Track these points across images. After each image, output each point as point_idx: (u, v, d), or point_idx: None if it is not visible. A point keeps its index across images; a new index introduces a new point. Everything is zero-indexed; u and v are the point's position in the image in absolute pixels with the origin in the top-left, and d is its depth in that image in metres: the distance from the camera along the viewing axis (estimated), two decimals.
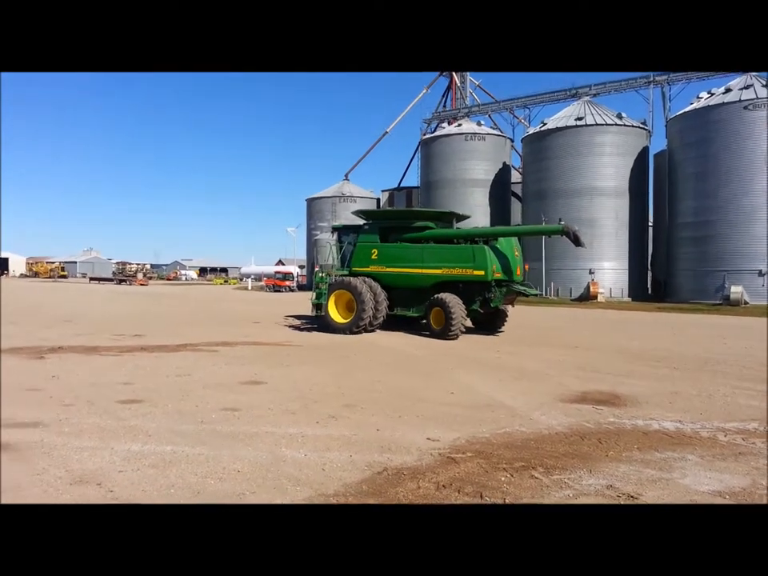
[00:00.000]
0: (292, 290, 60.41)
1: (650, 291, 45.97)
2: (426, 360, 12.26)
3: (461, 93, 62.26)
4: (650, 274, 47.68)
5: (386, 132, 64.79)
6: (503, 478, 5.03)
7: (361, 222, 19.61)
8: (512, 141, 55.75)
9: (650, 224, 48.20)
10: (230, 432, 6.42)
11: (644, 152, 44.73)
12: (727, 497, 4.69)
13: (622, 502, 4.56)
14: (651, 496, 4.68)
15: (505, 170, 52.83)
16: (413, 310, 17.69)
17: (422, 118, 61.15)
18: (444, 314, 16.27)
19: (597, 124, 43.35)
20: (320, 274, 18.60)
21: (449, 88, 63.36)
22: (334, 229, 20.36)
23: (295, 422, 6.93)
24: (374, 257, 17.98)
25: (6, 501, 4.36)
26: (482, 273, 16.37)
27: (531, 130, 48.23)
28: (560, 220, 22.88)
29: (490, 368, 11.28)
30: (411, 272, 17.38)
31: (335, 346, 14.40)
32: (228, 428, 6.59)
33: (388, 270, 17.71)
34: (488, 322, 18.22)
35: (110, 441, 5.98)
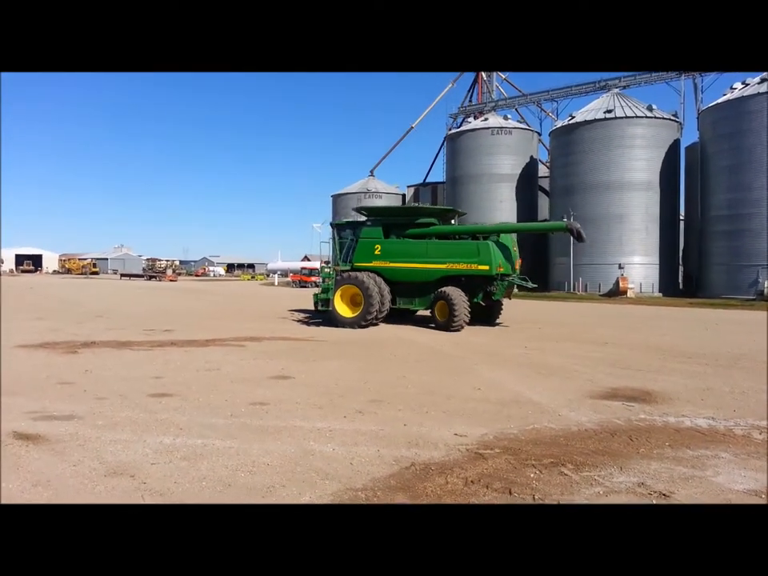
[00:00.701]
0: (318, 286, 60.74)
1: (681, 286, 45.10)
2: (451, 355, 12.22)
3: (487, 87, 61.71)
4: (681, 268, 46.76)
5: (412, 127, 64.64)
6: (532, 475, 4.99)
7: (360, 219, 20.07)
8: (539, 134, 55.10)
9: (682, 218, 47.25)
10: (259, 426, 6.50)
11: (675, 145, 43.83)
12: (763, 496, 4.59)
13: (654, 501, 4.50)
14: (684, 494, 4.60)
15: (532, 165, 52.27)
16: (416, 303, 18.48)
17: (448, 112, 60.87)
18: (448, 306, 16.99)
19: (627, 116, 42.59)
20: (326, 270, 18.52)
21: (475, 82, 62.85)
22: (333, 225, 20.55)
23: (323, 416, 6.98)
24: (377, 252, 18.40)
25: (37, 491, 4.48)
26: (487, 267, 17.18)
27: (559, 124, 47.61)
28: (563, 217, 23.41)
29: (516, 364, 11.20)
30: (416, 267, 17.96)
31: (359, 341, 14.45)
32: (257, 422, 6.66)
33: (392, 264, 18.21)
34: (485, 314, 18.77)
35: (142, 434, 6.09)
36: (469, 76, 63.20)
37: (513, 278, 18.31)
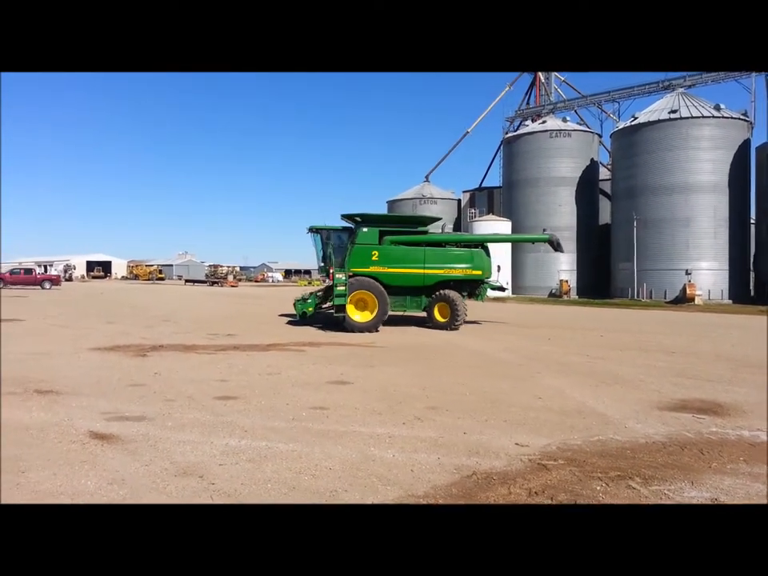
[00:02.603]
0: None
1: (752, 293, 42.97)
2: (509, 362, 12.06)
3: (545, 89, 60.75)
4: (752, 274, 44.55)
5: (468, 132, 64.32)
6: (598, 488, 4.87)
7: (344, 224, 20.21)
8: (600, 136, 53.84)
9: (752, 221, 45.04)
10: (320, 430, 6.60)
11: (745, 145, 41.95)
12: None
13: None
14: None
15: (592, 167, 51.08)
16: (407, 307, 19.56)
17: (505, 116, 60.24)
18: (450, 308, 18.74)
19: (693, 117, 41.08)
20: (338, 275, 18.23)
21: (532, 85, 61.99)
22: (316, 230, 20.14)
23: (382, 422, 7.02)
24: (374, 258, 18.88)
25: (94, 491, 4.70)
26: (480, 272, 19.38)
27: (621, 125, 46.38)
28: (544, 230, 27.42)
29: (579, 373, 10.94)
30: (414, 272, 19.02)
31: (415, 347, 14.45)
32: (318, 426, 6.77)
33: (390, 270, 18.87)
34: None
35: (209, 435, 6.30)
36: (526, 79, 62.43)
37: (496, 282, 20.76)
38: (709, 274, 40.75)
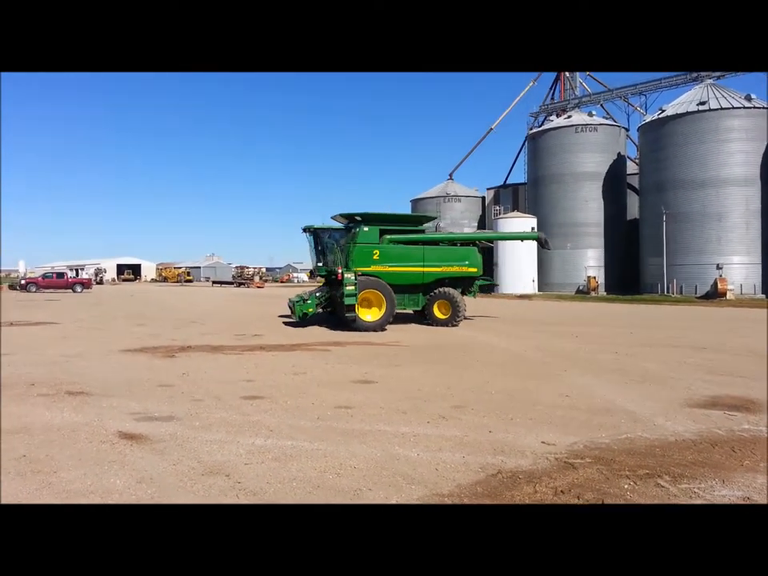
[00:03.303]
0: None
1: None
2: (535, 360, 11.95)
3: (570, 83, 59.96)
4: None
5: (491, 129, 63.82)
6: (626, 486, 4.80)
7: (337, 224, 20.33)
8: (627, 130, 52.96)
9: None
10: (344, 429, 6.62)
11: None
12: None
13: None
14: None
15: (619, 162, 50.28)
16: (405, 304, 19.82)
17: (529, 111, 59.66)
18: (451, 305, 19.34)
19: (722, 108, 40.13)
20: (347, 275, 18.03)
21: (557, 79, 61.24)
22: (312, 230, 20.12)
23: (406, 421, 7.02)
24: (375, 257, 18.99)
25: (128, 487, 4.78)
26: (475, 270, 20.06)
27: (648, 118, 45.55)
28: (532, 228, 31.24)
29: (607, 370, 10.78)
30: (413, 270, 19.37)
31: (440, 346, 14.40)
32: (343, 425, 6.79)
33: (391, 269, 19.05)
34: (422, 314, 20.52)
35: (235, 434, 6.36)
36: (550, 73, 61.71)
37: (487, 279, 21.60)
38: (741, 268, 39.79)
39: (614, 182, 49.69)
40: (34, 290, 51.17)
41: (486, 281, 21.93)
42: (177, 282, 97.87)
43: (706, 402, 8.12)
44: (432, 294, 19.58)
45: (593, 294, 45.82)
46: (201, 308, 30.15)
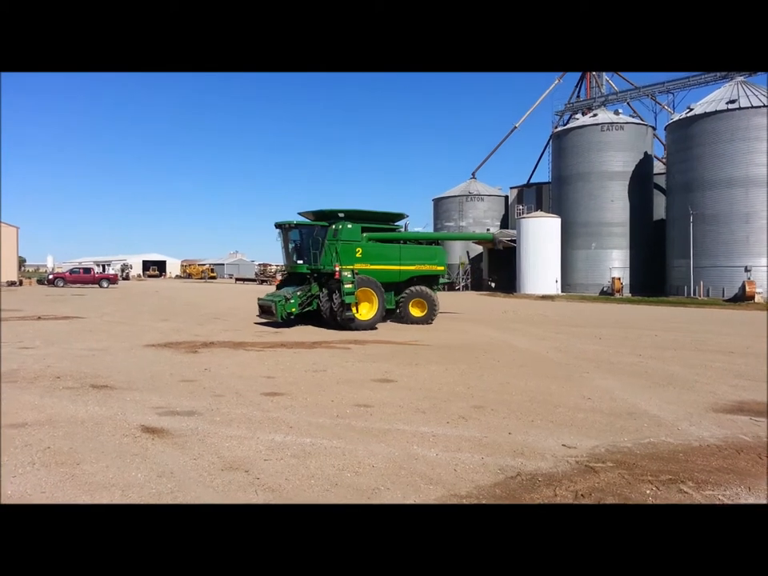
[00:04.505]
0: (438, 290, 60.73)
1: None
2: (557, 362, 11.82)
3: (596, 81, 59.19)
4: None
5: (515, 127, 63.31)
6: (648, 491, 4.72)
7: (314, 220, 19.41)
8: (654, 129, 52.06)
9: None
10: (363, 427, 6.62)
11: None
12: None
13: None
14: None
15: (646, 161, 49.45)
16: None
17: (554, 110, 59.09)
18: (427, 303, 19.74)
19: (753, 106, 39.20)
20: (345, 273, 17.43)
21: (583, 77, 60.50)
22: (288, 225, 19.13)
23: (426, 421, 6.99)
24: (358, 255, 18.82)
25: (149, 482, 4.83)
26: (443, 268, 21.11)
27: (676, 117, 44.71)
28: (488, 229, 30.20)
29: (630, 373, 10.63)
30: (392, 269, 19.61)
31: (460, 346, 14.33)
32: (362, 423, 6.80)
33: (372, 267, 18.97)
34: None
35: (255, 430, 6.41)
36: (576, 72, 60.96)
37: (447, 277, 22.17)
38: None
39: (641, 182, 48.91)
40: (62, 284, 52.15)
41: (447, 280, 22.49)
42: (201, 278, 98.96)
43: (732, 406, 7.95)
44: (406, 292, 19.70)
45: (617, 295, 45.19)
46: (224, 304, 30.42)
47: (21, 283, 56.44)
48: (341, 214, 19.03)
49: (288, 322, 18.24)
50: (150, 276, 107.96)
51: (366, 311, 18.17)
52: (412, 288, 19.76)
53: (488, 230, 32.02)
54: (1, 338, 13.91)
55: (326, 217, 19.20)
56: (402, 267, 19.83)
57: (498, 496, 4.59)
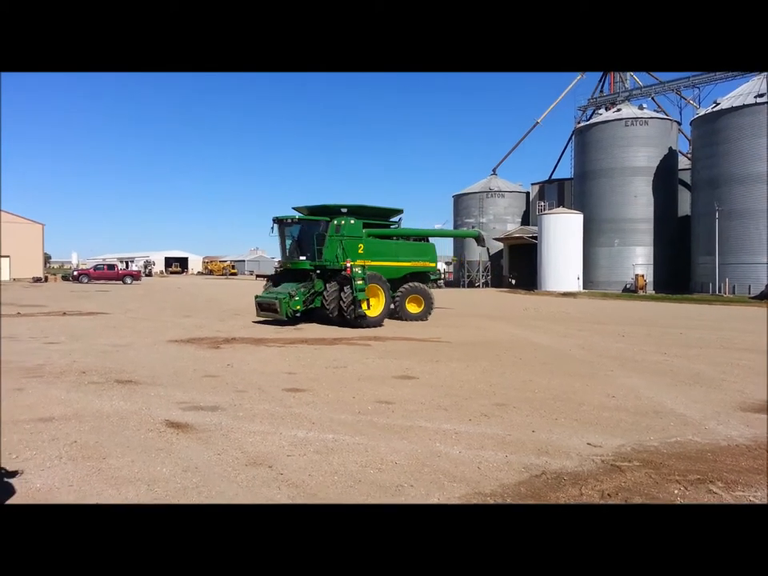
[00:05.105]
0: (439, 287, 60.70)
1: None
2: (580, 360, 11.69)
3: (620, 76, 58.40)
4: None
5: (537, 122, 62.77)
6: (676, 491, 4.63)
7: (323, 215, 18.66)
8: (679, 124, 51.27)
9: None
10: (385, 424, 6.61)
11: None
12: None
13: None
14: None
15: (671, 156, 48.69)
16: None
17: (577, 105, 58.39)
18: (424, 300, 19.67)
19: None
20: (357, 269, 17.11)
21: (606, 72, 59.72)
22: (289, 220, 18.54)
23: (448, 418, 6.96)
24: (360, 251, 18.52)
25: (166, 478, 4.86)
26: (434, 265, 21.11)
27: (702, 111, 43.96)
28: (473, 226, 29.32)
29: (655, 371, 10.46)
30: (391, 265, 19.43)
31: (482, 343, 14.25)
32: (383, 420, 6.78)
33: (374, 263, 18.56)
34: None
35: (278, 426, 6.43)
36: None
37: (437, 274, 22.11)
38: None
39: (665, 178, 48.17)
40: (86, 281, 53.04)
41: (436, 276, 22.46)
42: (222, 275, 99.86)
43: (761, 405, 7.78)
44: (403, 288, 19.35)
45: (641, 292, 44.60)
46: (244, 301, 30.62)
47: (46, 279, 57.47)
48: (343, 209, 18.48)
49: (293, 319, 17.57)
50: (172, 272, 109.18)
51: (371, 307, 17.65)
52: (408, 284, 19.54)
53: (472, 227, 32.33)
54: (1, 333, 14.19)
55: (323, 212, 18.66)
56: (399, 264, 19.72)
57: (523, 495, 4.54)
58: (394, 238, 20.40)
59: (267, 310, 17.75)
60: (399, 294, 19.33)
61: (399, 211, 20.63)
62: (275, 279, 19.58)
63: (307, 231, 18.34)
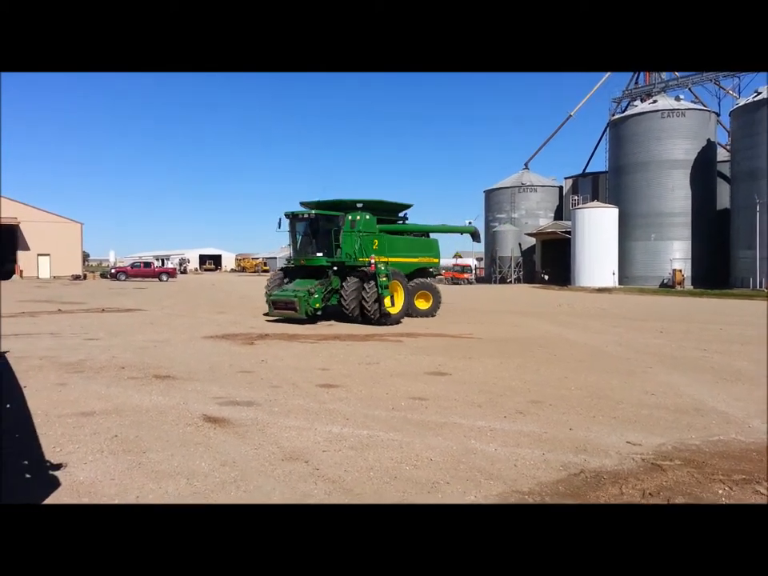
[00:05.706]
0: (470, 283, 60.41)
1: None
2: (617, 356, 11.47)
3: None
4: None
5: (570, 115, 61.79)
6: (720, 491, 4.51)
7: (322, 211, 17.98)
8: (718, 115, 49.88)
9: None
10: (419, 420, 6.59)
11: None
12: None
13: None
14: None
15: (709, 148, 47.42)
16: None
17: (611, 97, 57.27)
18: (432, 296, 19.50)
19: None
20: (380, 265, 16.69)
21: None
22: (302, 216, 17.90)
23: (482, 415, 6.90)
24: (375, 247, 18.17)
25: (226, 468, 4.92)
26: (437, 261, 21.08)
27: (742, 102, 42.69)
28: (469, 222, 30.69)
29: (695, 368, 10.21)
30: (403, 261, 19.21)
31: (515, 339, 14.10)
32: (417, 416, 6.76)
33: (387, 259, 18.09)
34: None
35: (313, 422, 6.46)
36: None
37: (437, 269, 21.86)
38: None
39: (703, 170, 46.94)
40: (123, 278, 54.25)
41: (437, 272, 22.36)
42: (254, 271, 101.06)
43: None
44: (411, 285, 18.90)
45: (678, 287, 43.58)
46: None
47: (85, 277, 58.94)
48: (359, 204, 17.95)
49: (312, 318, 16.92)
50: (206, 270, 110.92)
51: (395, 304, 17.34)
52: (417, 280, 19.30)
53: (469, 222, 32.23)
54: (1, 329, 14.59)
55: (337, 207, 18.14)
56: (409, 259, 19.55)
57: (562, 493, 4.47)
58: (404, 233, 20.28)
59: (283, 309, 17.04)
60: (408, 289, 18.83)
61: (409, 206, 20.41)
62: (287, 276, 18.81)
63: (323, 226, 17.66)
